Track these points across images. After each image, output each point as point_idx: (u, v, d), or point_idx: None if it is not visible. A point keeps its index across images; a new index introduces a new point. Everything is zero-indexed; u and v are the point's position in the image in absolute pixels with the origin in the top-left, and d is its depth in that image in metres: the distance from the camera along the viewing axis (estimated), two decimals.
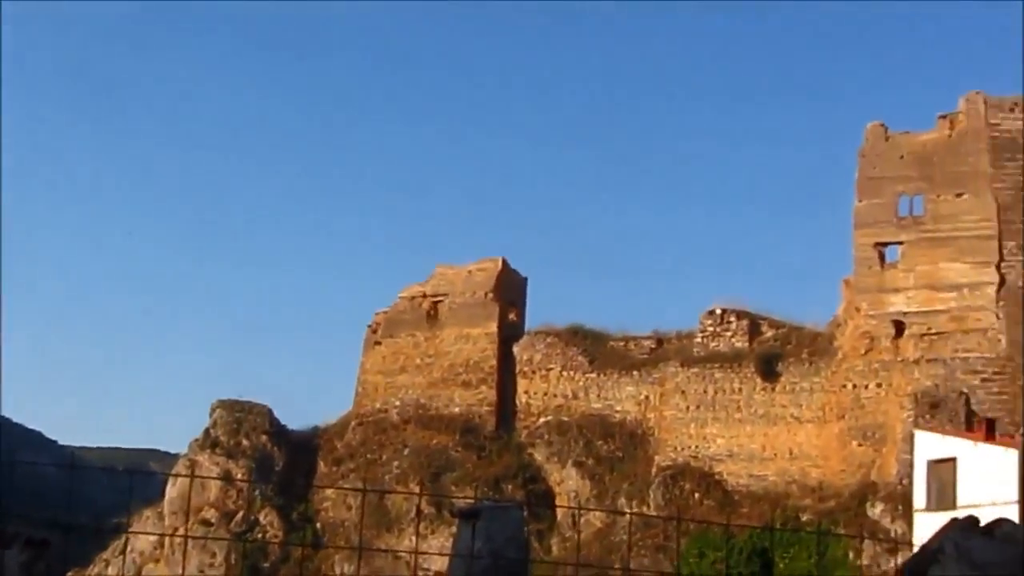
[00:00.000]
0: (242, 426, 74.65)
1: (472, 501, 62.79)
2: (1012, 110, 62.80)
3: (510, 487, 68.90)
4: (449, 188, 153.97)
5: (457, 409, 73.38)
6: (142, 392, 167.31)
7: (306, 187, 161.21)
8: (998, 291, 60.94)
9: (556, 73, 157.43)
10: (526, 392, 73.51)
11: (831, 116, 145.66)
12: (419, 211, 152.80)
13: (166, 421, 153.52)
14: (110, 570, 73.48)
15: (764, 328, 69.92)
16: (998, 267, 61.20)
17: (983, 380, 60.27)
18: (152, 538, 71.77)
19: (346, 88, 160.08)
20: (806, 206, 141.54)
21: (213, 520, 71.11)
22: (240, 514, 71.61)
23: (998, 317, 60.69)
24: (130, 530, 71.68)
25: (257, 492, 72.35)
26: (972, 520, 8.22)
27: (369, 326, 78.07)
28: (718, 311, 70.62)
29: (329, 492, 71.38)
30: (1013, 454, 42.26)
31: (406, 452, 72.39)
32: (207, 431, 75.00)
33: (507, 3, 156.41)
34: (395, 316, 76.79)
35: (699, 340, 70.32)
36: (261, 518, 71.82)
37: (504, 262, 75.82)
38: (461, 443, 71.77)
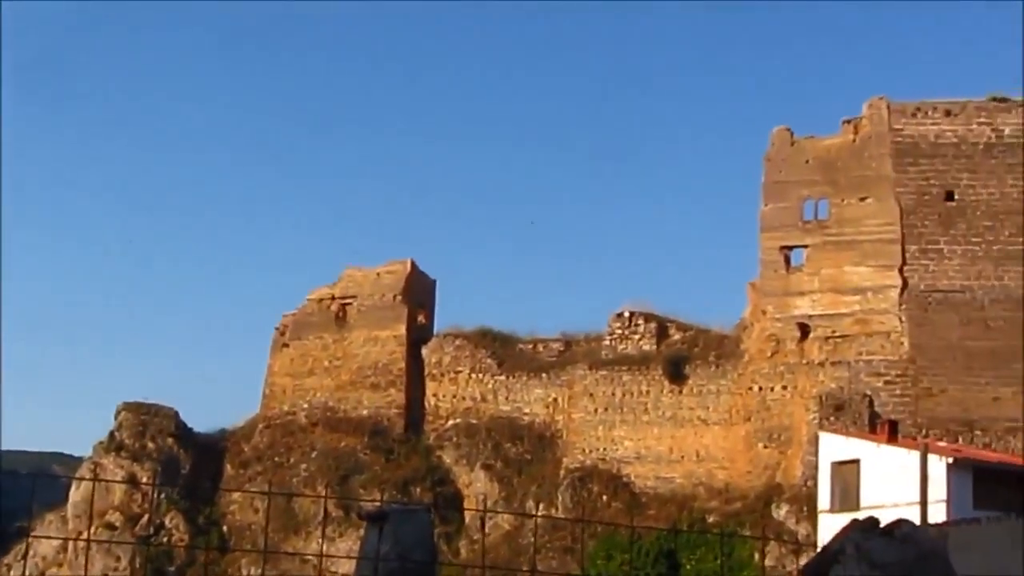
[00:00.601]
0: (148, 429, 73.91)
1: (380, 504, 62.65)
2: (915, 115, 63.68)
3: (418, 490, 68.85)
4: (358, 189, 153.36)
5: (365, 412, 73.19)
6: (45, 394, 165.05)
7: (213, 186, 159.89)
8: (901, 294, 61.74)
9: (462, 70, 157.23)
10: (435, 394, 73.46)
11: (737, 120, 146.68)
12: (328, 213, 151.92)
13: (70, 424, 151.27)
14: (12, 575, 72.52)
15: (671, 331, 70.36)
16: (901, 271, 61.99)
17: (886, 382, 61.04)
18: (55, 542, 70.88)
19: (254, 85, 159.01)
20: (713, 209, 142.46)
21: (118, 524, 70.37)
22: (145, 518, 70.94)
23: (901, 320, 61.50)
24: (33, 534, 70.80)
25: (163, 495, 71.72)
26: (872, 521, 8.35)
27: (277, 328, 77.67)
28: (626, 314, 70.99)
29: (236, 495, 70.95)
30: (915, 455, 42.74)
31: (314, 455, 72.10)
32: (112, 434, 74.18)
33: (414, 3, 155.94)
34: (303, 318, 76.46)
35: (607, 343, 70.65)
36: (167, 521, 71.22)
37: (413, 264, 75.71)
38: (369, 446, 71.60)
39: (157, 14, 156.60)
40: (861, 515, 8.78)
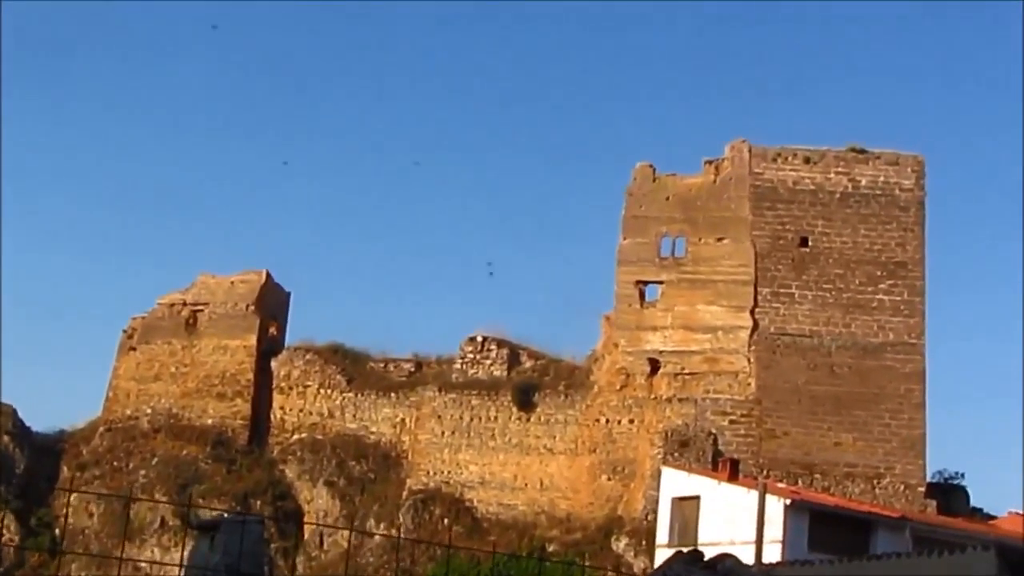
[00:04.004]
0: None
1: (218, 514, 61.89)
2: (775, 160, 64.66)
3: (259, 503, 68.10)
4: (215, 196, 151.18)
5: (210, 421, 72.32)
6: None
7: (65, 181, 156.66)
8: (751, 336, 62.55)
9: (319, 77, 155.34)
10: (281, 408, 72.86)
11: (600, 153, 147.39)
12: (184, 217, 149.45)
13: None
14: None
15: (523, 358, 70.58)
16: (752, 312, 62.82)
17: (731, 422, 61.76)
18: None
19: (111, 82, 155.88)
20: (572, 240, 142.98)
21: None
22: None
23: (749, 361, 62.28)
24: None
25: None
26: (696, 554, 8.34)
27: (125, 331, 76.46)
28: (479, 338, 71.09)
29: (72, 498, 69.59)
30: (754, 495, 43.18)
31: (154, 461, 71.02)
32: None
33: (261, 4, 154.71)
34: (152, 322, 75.36)
35: (458, 366, 70.65)
36: None
37: (268, 275, 75.11)
38: (212, 455, 70.72)
39: None
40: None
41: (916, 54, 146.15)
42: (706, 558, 7.89)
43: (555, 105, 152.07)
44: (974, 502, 65.51)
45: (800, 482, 58.49)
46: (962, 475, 66.44)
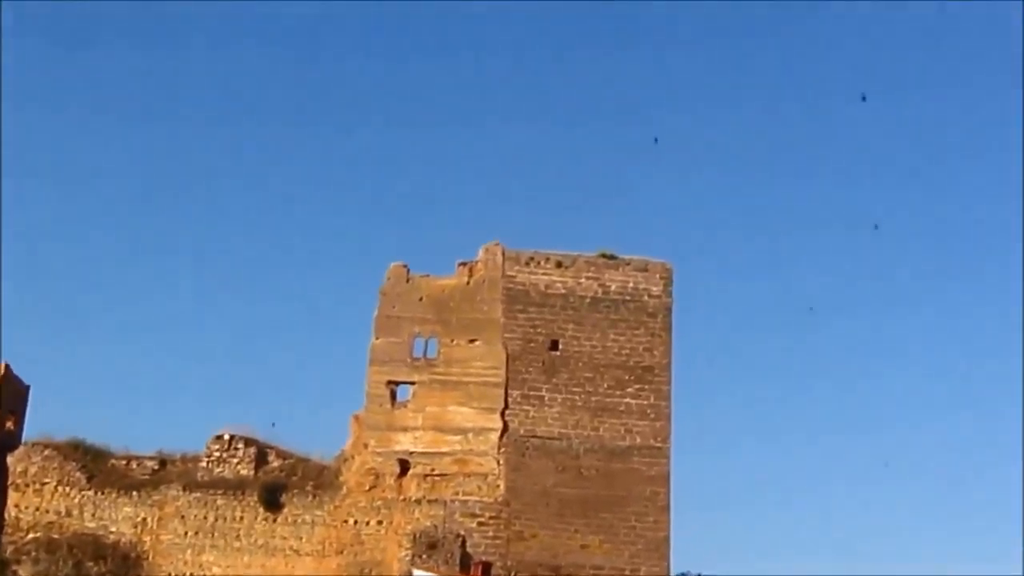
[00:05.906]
0: None
1: None
2: (527, 264, 65.56)
3: None
4: None
5: None
6: None
7: None
8: (501, 438, 62.96)
9: (52, 151, 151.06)
10: (16, 506, 70.22)
11: (354, 253, 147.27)
12: None
13: None
14: None
15: (271, 457, 69.55)
16: (503, 414, 63.30)
17: (480, 524, 61.89)
18: None
19: None
20: (324, 339, 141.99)
21: None
22: None
23: (499, 463, 62.62)
24: None
25: None
26: None
27: None
28: (226, 436, 69.83)
29: None
30: None
31: None
32: None
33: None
34: None
35: (204, 464, 69.23)
36: None
37: (7, 367, 72.59)
38: None
39: None
40: None
41: (662, 163, 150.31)
42: None
43: (309, 204, 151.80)
44: None
45: None
46: None
